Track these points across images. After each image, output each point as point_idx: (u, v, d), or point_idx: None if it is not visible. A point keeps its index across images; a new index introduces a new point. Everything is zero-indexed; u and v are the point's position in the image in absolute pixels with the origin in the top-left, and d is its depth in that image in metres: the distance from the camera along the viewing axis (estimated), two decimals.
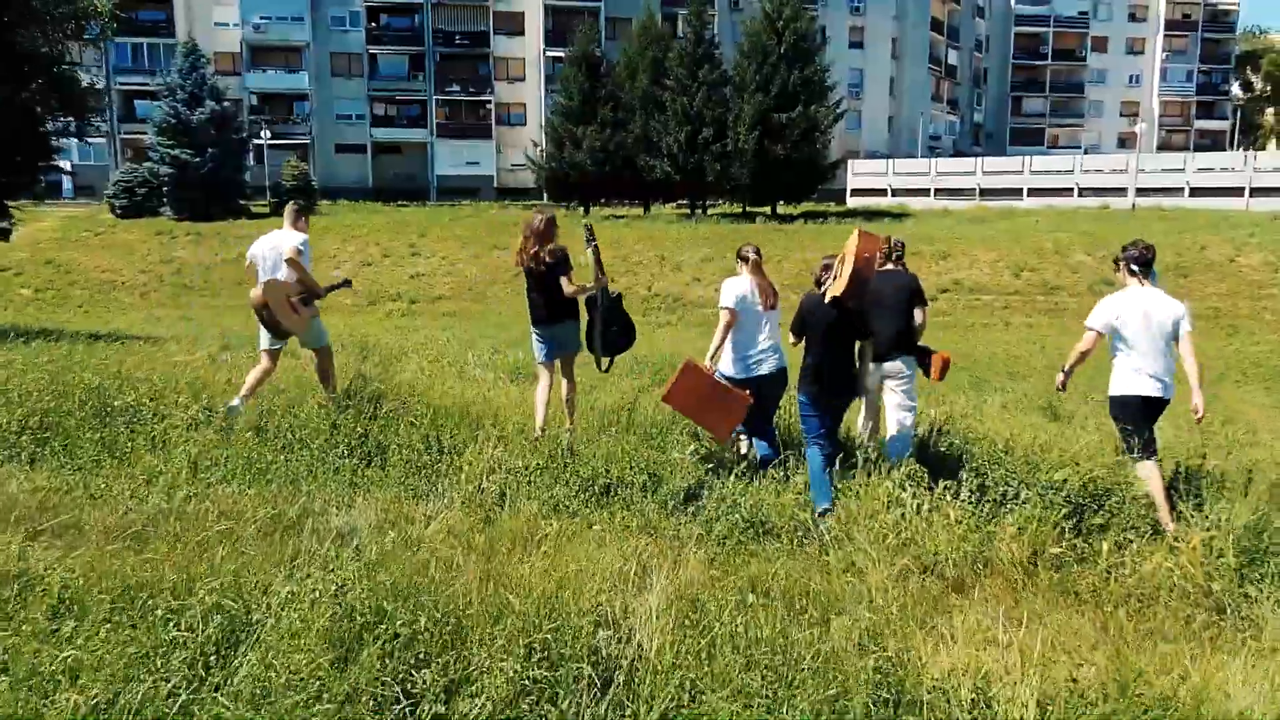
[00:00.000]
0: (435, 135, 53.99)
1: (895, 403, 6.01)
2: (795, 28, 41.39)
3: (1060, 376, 5.97)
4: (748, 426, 6.10)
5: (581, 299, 6.48)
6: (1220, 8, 78.43)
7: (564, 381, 6.64)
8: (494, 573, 3.90)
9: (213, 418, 6.44)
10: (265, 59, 52.46)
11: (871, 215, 43.38)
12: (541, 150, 46.05)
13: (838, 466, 5.57)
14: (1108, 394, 5.77)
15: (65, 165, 34.16)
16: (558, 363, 6.61)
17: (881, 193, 50.87)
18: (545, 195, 49.86)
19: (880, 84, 60.42)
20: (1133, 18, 76.33)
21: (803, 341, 5.90)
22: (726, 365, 5.98)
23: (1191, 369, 5.41)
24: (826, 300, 5.59)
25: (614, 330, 6.57)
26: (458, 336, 24.23)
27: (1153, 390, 5.51)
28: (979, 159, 52.60)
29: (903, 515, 4.96)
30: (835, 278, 5.56)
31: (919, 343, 6.06)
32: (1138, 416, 5.55)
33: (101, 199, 42.88)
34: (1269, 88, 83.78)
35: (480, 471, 5.51)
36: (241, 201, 42.83)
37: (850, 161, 52.03)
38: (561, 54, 48.43)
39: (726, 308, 5.86)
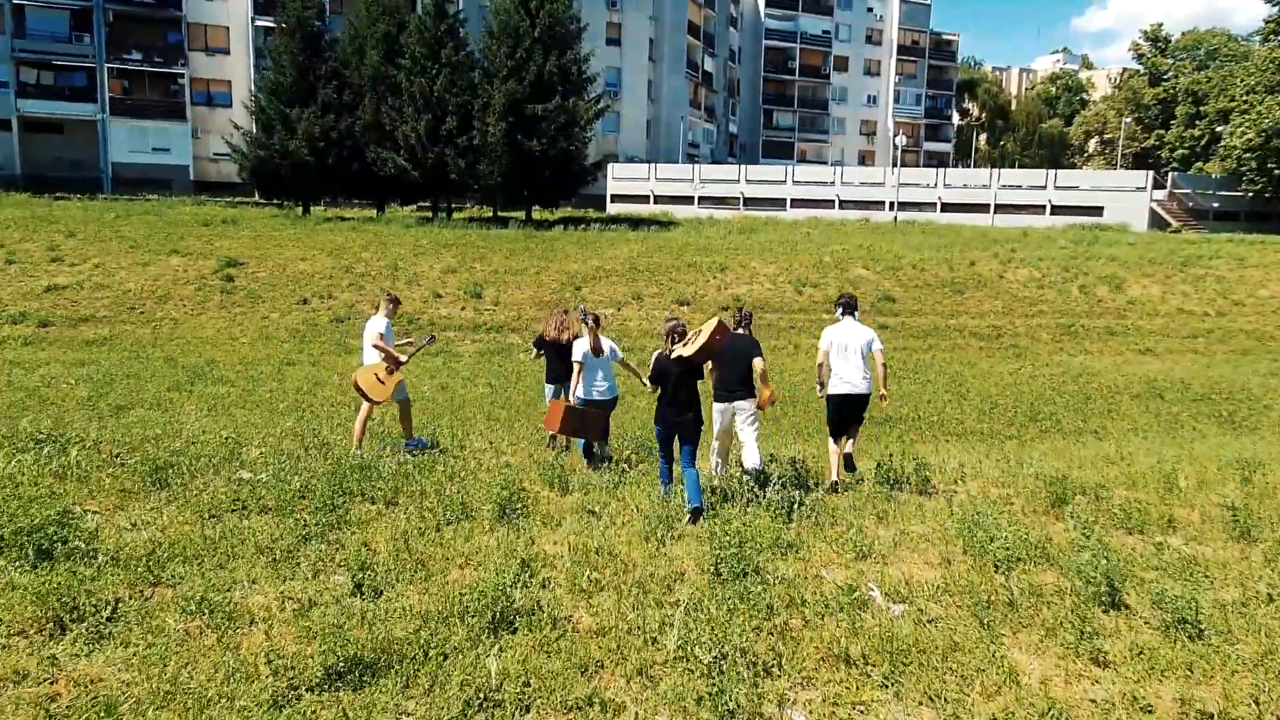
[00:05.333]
0: (108, 112, 43.62)
1: (748, 430, 8.08)
2: (550, 9, 36.60)
3: (819, 388, 8.62)
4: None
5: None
6: (944, 37, 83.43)
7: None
8: None
9: None
10: None
11: (636, 223, 39.54)
12: (247, 135, 37.71)
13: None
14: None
15: None
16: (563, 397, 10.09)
17: (644, 199, 47.28)
18: (257, 191, 41.51)
19: (638, 86, 57.05)
20: (870, 40, 79.19)
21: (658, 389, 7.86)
22: (580, 393, 9.11)
23: (880, 373, 8.24)
24: (673, 357, 7.43)
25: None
26: (93, 376, 17.23)
27: (848, 390, 8.33)
28: (743, 168, 50.43)
29: None
30: (687, 343, 7.40)
31: (761, 384, 8.30)
32: (842, 408, 8.40)
33: None
34: (983, 115, 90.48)
35: None
36: None
37: (610, 165, 47.98)
38: (274, 24, 40.47)
39: (577, 360, 9.04)
